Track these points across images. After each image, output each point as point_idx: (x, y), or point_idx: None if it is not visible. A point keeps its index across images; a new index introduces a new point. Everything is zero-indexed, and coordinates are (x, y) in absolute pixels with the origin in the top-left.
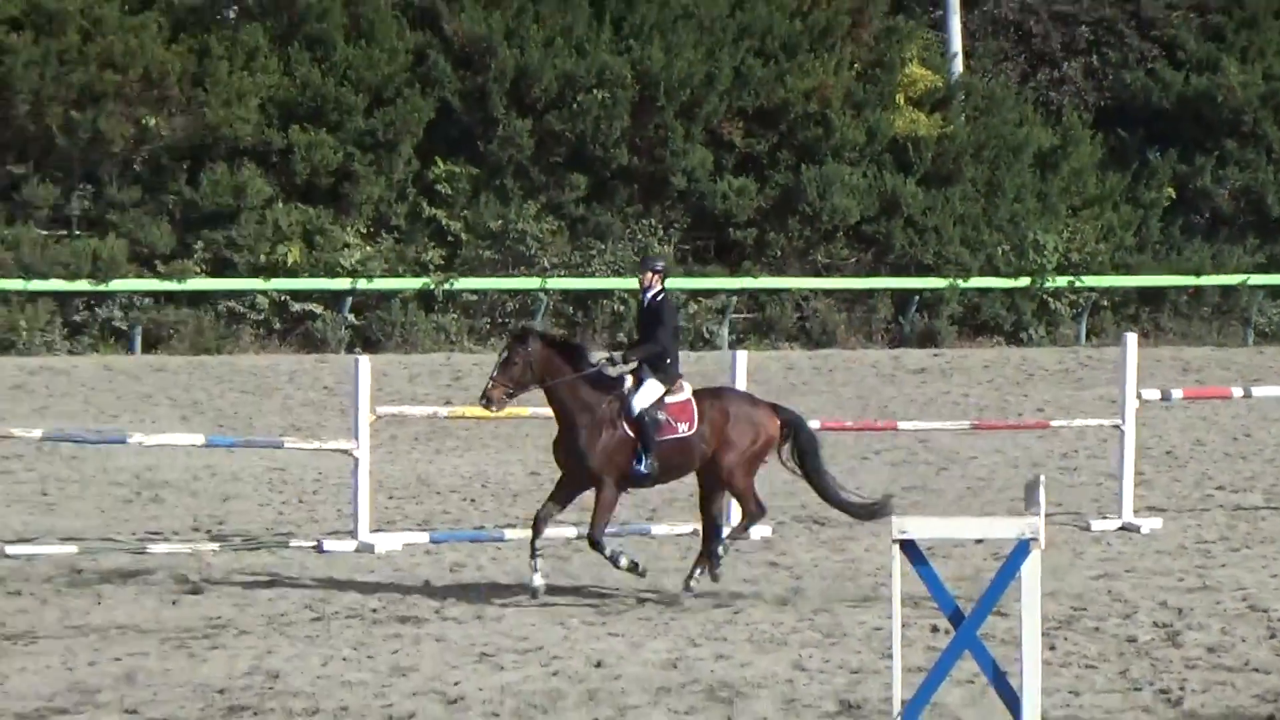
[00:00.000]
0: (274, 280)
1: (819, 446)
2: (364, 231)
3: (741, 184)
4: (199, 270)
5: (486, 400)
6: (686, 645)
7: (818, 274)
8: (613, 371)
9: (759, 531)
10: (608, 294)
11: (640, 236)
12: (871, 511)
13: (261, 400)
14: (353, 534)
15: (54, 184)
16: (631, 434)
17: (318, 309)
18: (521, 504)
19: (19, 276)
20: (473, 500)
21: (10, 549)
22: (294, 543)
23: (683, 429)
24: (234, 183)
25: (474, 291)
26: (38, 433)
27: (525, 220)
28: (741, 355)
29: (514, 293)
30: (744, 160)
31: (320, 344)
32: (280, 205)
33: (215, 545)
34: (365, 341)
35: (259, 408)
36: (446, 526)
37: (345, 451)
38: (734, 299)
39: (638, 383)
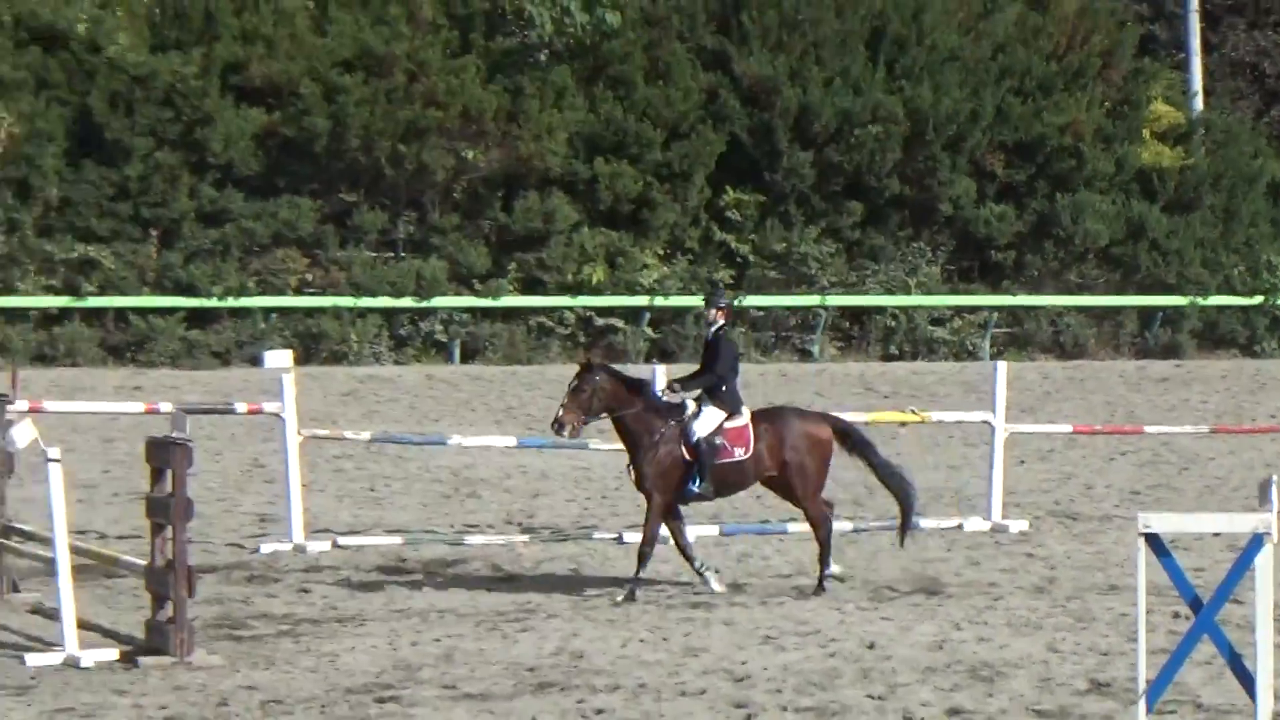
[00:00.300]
0: (580, 297)
1: (870, 440)
2: (661, 253)
3: (1002, 210)
4: (512, 288)
5: (558, 425)
6: (951, 629)
7: (1070, 292)
8: (674, 399)
9: (1017, 526)
10: (880, 310)
11: (910, 258)
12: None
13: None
14: None
15: (382, 211)
16: (690, 457)
17: (619, 323)
18: None
19: (350, 294)
20: (759, 497)
21: (342, 540)
22: (597, 535)
23: (739, 453)
24: (544, 209)
25: (759, 308)
26: (366, 435)
27: (806, 243)
28: (1001, 365)
29: (795, 309)
30: (1004, 189)
31: (621, 355)
32: (586, 230)
33: (525, 537)
34: (661, 353)
35: None
36: (734, 520)
37: None
38: (994, 314)
39: (699, 410)
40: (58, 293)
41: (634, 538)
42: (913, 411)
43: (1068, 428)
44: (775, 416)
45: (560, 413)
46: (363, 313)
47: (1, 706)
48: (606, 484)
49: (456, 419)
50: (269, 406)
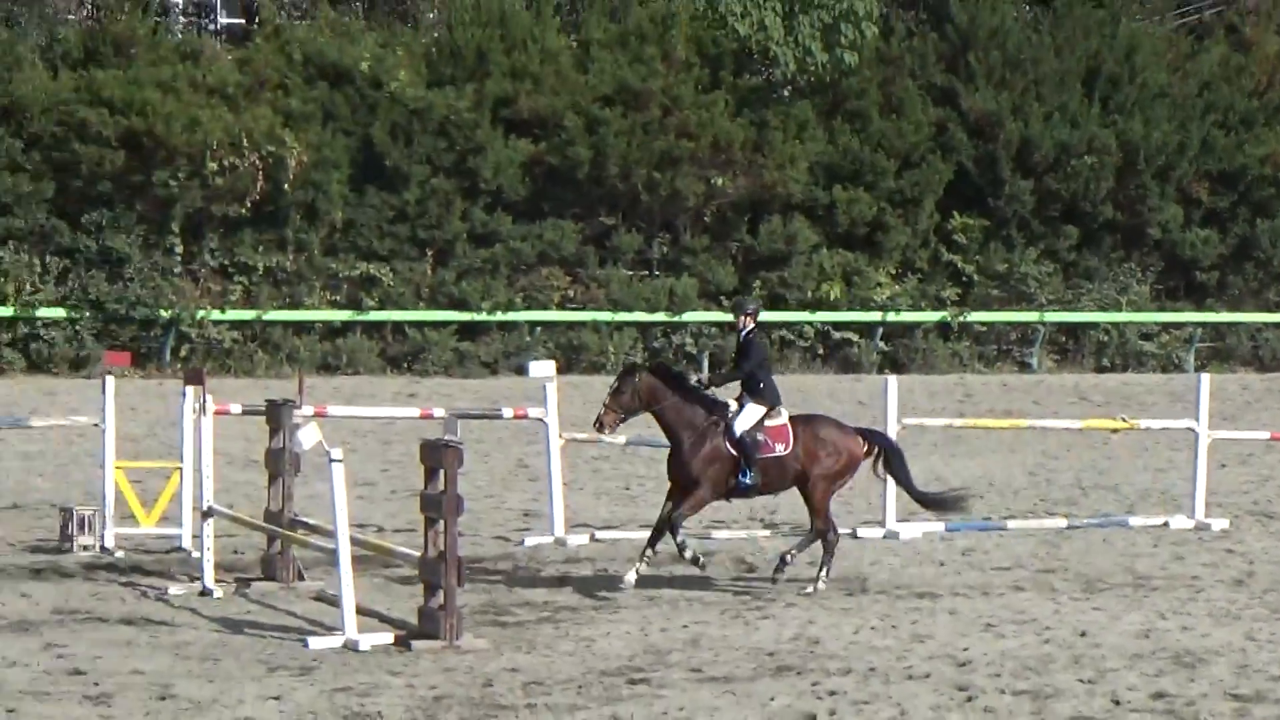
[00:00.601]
0: (818, 313)
1: (903, 454)
2: (893, 272)
3: (1206, 234)
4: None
5: (600, 425)
6: (1156, 618)
7: (1269, 310)
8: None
9: (1218, 524)
10: (1094, 326)
11: (1121, 278)
12: (944, 503)
13: (807, 412)
14: (881, 523)
15: (638, 233)
16: (734, 452)
17: (854, 336)
18: (1021, 499)
19: (608, 309)
20: (981, 496)
21: (599, 534)
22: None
23: (779, 449)
24: (786, 232)
25: (983, 323)
26: (622, 439)
27: (1026, 264)
28: (1204, 377)
29: (1016, 324)
30: (1208, 214)
31: (855, 366)
32: (824, 251)
33: (767, 532)
34: (893, 364)
35: None
36: (958, 517)
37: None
38: (1199, 330)
39: (740, 407)
40: (341, 307)
41: (868, 534)
42: (1123, 419)
43: (1266, 434)
44: (814, 422)
45: (601, 412)
46: (620, 326)
47: (286, 685)
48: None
49: None
50: (533, 412)
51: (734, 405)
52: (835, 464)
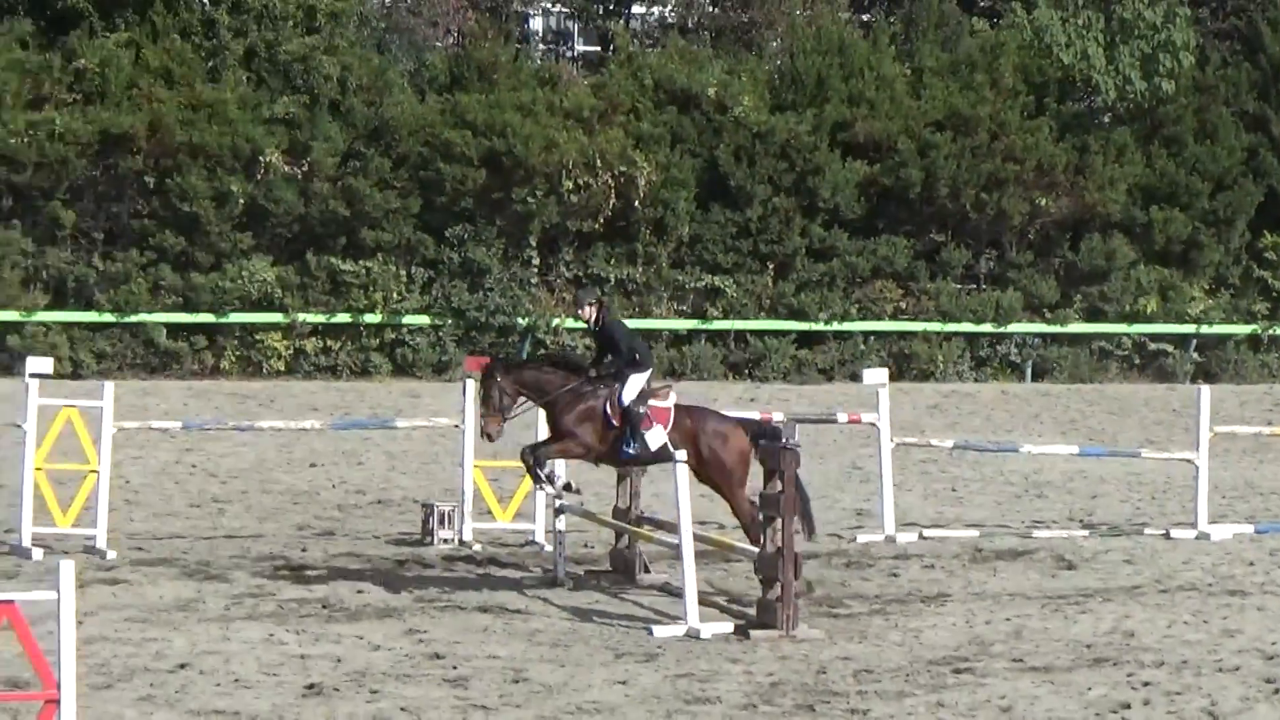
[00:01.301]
0: (1135, 325)
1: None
2: (1206, 287)
3: None
4: (1077, 316)
5: (486, 435)
6: None
7: None
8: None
9: None
10: None
11: None
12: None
13: (1123, 419)
14: (1193, 525)
15: (966, 249)
16: (618, 423)
17: (1169, 348)
18: None
19: (938, 320)
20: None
21: (927, 532)
22: (1147, 531)
23: (656, 429)
24: (1106, 249)
25: None
26: (949, 443)
27: None
28: None
29: None
30: None
31: (1170, 376)
32: (1141, 267)
33: (1085, 532)
34: (1205, 374)
35: (1121, 425)
36: (1269, 519)
37: (1188, 460)
38: None
39: (622, 383)
40: (687, 316)
41: (1180, 534)
42: None
43: None
44: (694, 412)
45: (482, 423)
46: (948, 336)
47: (631, 671)
48: (1155, 487)
49: (1027, 430)
50: (867, 417)
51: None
52: (720, 455)
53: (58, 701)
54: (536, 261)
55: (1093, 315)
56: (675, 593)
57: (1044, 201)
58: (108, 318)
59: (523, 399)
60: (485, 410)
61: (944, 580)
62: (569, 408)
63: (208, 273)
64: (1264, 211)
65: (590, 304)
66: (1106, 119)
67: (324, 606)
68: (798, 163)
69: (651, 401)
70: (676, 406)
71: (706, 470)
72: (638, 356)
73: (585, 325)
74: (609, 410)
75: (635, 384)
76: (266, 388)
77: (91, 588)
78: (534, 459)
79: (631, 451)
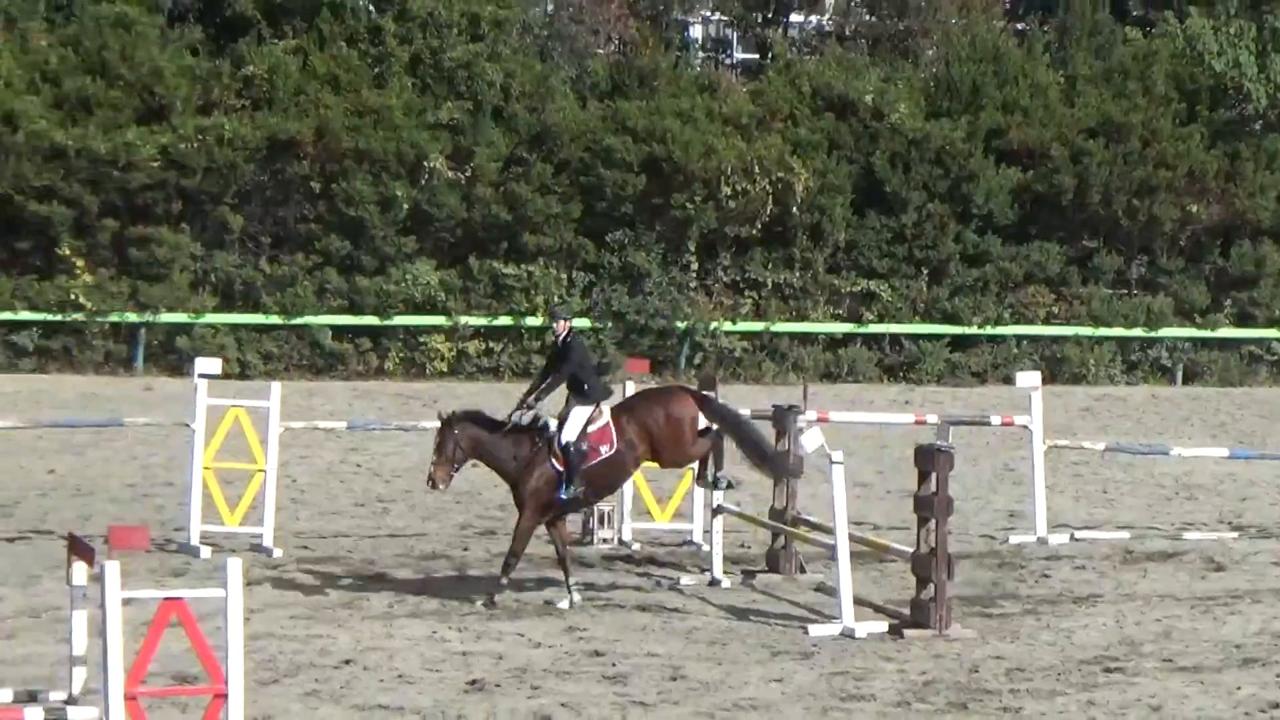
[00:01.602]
0: None
1: (732, 411)
2: None
3: None
4: (1227, 321)
5: (432, 482)
6: None
7: None
8: (528, 418)
9: None
10: None
11: None
12: (773, 460)
13: (1273, 423)
14: None
15: (1118, 254)
16: (560, 466)
17: None
18: None
19: (1090, 325)
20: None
21: (1078, 534)
22: None
23: (604, 450)
24: (1256, 255)
25: None
26: (1101, 445)
27: None
28: None
29: None
30: None
31: None
32: None
33: (1235, 534)
34: None
35: (1271, 428)
36: None
37: None
38: None
39: (563, 420)
40: (843, 320)
41: None
42: None
43: None
44: (633, 405)
45: (431, 469)
46: (1100, 340)
47: (787, 669)
48: None
49: (1177, 433)
50: (1019, 420)
51: (554, 424)
52: (675, 434)
53: (225, 696)
54: (695, 266)
55: (1243, 320)
56: (830, 592)
57: (1195, 208)
58: (274, 320)
59: (474, 457)
60: (439, 459)
61: (1095, 581)
62: (525, 479)
63: (372, 276)
64: None
65: (564, 319)
66: (1257, 126)
67: (486, 605)
68: (952, 169)
69: (590, 429)
70: (613, 412)
71: (666, 454)
72: (586, 387)
73: (555, 335)
74: (554, 462)
75: (578, 418)
76: (429, 388)
77: (258, 585)
78: (507, 577)
79: (564, 496)
